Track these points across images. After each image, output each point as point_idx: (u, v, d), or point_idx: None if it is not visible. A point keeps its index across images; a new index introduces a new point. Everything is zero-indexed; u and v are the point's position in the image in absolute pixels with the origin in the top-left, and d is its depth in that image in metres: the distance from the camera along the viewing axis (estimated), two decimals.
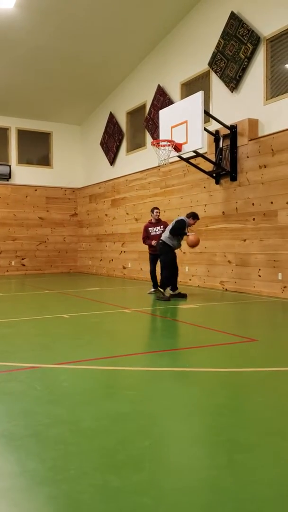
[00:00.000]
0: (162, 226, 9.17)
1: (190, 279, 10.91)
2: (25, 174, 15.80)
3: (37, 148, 16.28)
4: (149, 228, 9.29)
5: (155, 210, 9.29)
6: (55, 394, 3.25)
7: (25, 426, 2.66)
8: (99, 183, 15.26)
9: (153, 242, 8.99)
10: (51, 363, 4.01)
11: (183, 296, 8.63)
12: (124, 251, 13.75)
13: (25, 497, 1.92)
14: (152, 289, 9.49)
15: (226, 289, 9.82)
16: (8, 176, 15.41)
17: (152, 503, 1.88)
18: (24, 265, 15.72)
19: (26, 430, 2.59)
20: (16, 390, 3.32)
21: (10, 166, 15.45)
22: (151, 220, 9.38)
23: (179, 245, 8.56)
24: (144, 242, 9.40)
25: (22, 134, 15.81)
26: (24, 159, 15.92)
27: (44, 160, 16.34)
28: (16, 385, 3.42)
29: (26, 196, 15.84)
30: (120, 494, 1.93)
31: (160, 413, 2.92)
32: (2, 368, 3.91)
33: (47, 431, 2.58)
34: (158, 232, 9.13)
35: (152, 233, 9.25)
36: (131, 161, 13.44)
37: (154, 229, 9.24)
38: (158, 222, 9.31)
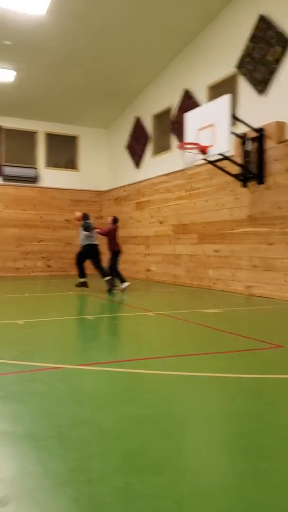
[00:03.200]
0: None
1: (214, 283, 10.84)
2: (52, 177, 15.99)
3: (64, 152, 16.47)
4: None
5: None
6: (78, 395, 3.26)
7: (48, 426, 2.68)
8: (124, 186, 15.33)
9: None
10: (74, 364, 4.03)
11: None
12: (148, 254, 13.76)
13: (47, 498, 1.93)
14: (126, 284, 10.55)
15: (251, 294, 9.71)
16: (35, 179, 15.62)
17: (173, 507, 1.87)
18: (49, 266, 15.89)
19: (49, 431, 2.61)
20: (39, 390, 3.34)
21: (37, 169, 15.67)
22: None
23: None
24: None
25: (50, 138, 16.01)
26: (51, 162, 16.12)
27: (71, 163, 16.51)
28: (39, 385, 3.45)
29: (53, 199, 16.02)
30: (141, 498, 1.93)
31: (182, 417, 2.90)
32: (26, 368, 3.95)
33: (70, 432, 2.59)
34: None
35: None
36: (157, 164, 13.46)
37: None
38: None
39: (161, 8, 10.12)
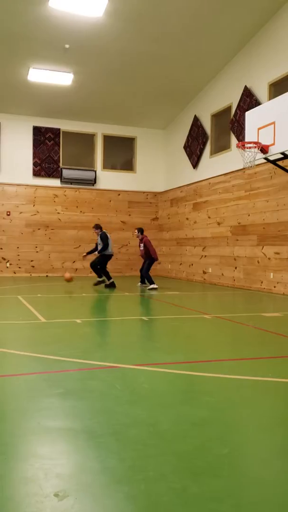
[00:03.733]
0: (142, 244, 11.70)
1: (274, 286, 10.56)
2: (109, 179, 16.24)
3: (121, 153, 16.68)
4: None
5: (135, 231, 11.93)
6: (135, 394, 3.27)
7: (106, 424, 2.70)
8: (181, 186, 15.28)
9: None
10: (131, 364, 4.05)
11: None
12: (205, 256, 13.63)
13: (104, 494, 1.94)
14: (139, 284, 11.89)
15: None
16: (93, 181, 15.92)
17: (229, 511, 1.82)
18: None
19: (106, 429, 2.63)
20: (97, 388, 3.39)
21: (95, 171, 15.97)
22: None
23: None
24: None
25: (108, 140, 16.27)
26: (108, 164, 16.37)
27: (128, 165, 16.68)
28: (97, 384, 3.50)
29: (110, 201, 16.26)
30: (198, 500, 1.90)
31: (240, 421, 2.84)
32: (85, 366, 4.02)
33: (127, 431, 2.60)
34: (141, 248, 11.75)
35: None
36: (215, 164, 13.31)
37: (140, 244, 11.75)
38: (141, 240, 11.72)
39: (220, 5, 10.01)
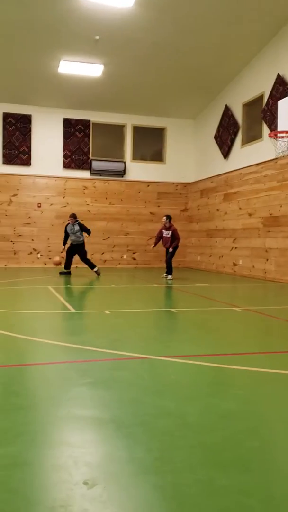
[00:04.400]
0: (170, 232, 11.56)
1: None
2: (138, 170, 16.21)
3: (151, 144, 16.61)
4: (163, 231, 11.74)
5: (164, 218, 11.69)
6: (163, 385, 3.28)
7: (134, 414, 2.72)
8: (211, 177, 15.13)
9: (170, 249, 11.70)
10: (159, 355, 4.06)
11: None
12: (236, 247, 13.48)
13: (132, 484, 1.96)
14: (170, 276, 11.65)
15: None
16: (122, 173, 15.94)
17: (259, 506, 1.81)
18: (135, 259, 16.17)
19: (134, 419, 2.65)
20: (126, 378, 3.41)
21: (125, 162, 15.97)
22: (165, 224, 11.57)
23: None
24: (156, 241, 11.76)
25: (137, 131, 16.22)
26: (138, 156, 16.34)
27: (157, 156, 16.62)
28: (126, 374, 3.52)
29: (139, 192, 16.25)
30: (226, 493, 1.89)
31: (270, 415, 2.81)
32: (114, 356, 4.05)
33: (155, 422, 2.61)
34: (167, 236, 11.60)
35: (164, 235, 11.67)
36: (246, 154, 13.11)
37: (166, 232, 11.64)
38: (169, 227, 11.62)
39: None
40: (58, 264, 12.39)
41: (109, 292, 9.23)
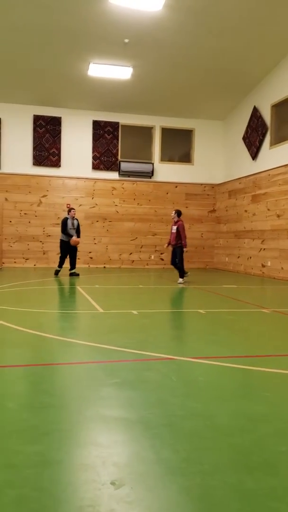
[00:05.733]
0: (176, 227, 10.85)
1: None
2: (166, 171, 16.21)
3: (179, 145, 16.58)
4: (172, 227, 11.05)
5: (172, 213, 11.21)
6: (190, 387, 3.28)
7: (161, 415, 2.72)
8: (239, 178, 15.00)
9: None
10: (187, 356, 4.06)
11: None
12: (264, 249, 13.32)
13: (159, 484, 1.97)
14: (181, 279, 10.67)
15: None
16: (151, 174, 15.97)
17: (287, 510, 1.79)
18: (162, 259, 16.17)
19: (161, 419, 2.66)
20: (153, 379, 3.42)
21: (153, 164, 16.00)
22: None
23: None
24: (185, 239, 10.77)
25: (166, 132, 16.23)
26: (166, 157, 16.34)
27: (185, 157, 16.58)
28: (153, 375, 3.53)
29: (167, 193, 16.25)
30: (254, 496, 1.88)
31: None
32: (141, 357, 4.07)
33: (182, 423, 2.61)
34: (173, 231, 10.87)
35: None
36: (275, 155, 12.94)
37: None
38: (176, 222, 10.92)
39: None
40: (76, 244, 11.90)
41: (136, 292, 9.26)
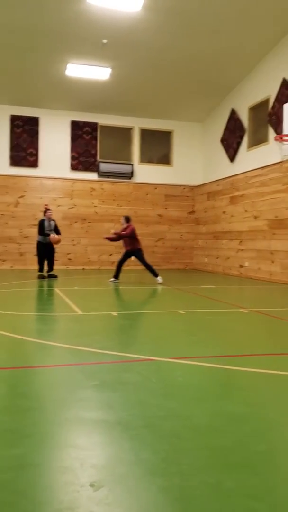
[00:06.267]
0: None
1: None
2: (146, 173, 16.24)
3: (158, 147, 16.63)
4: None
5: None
6: (170, 388, 3.28)
7: (140, 416, 2.72)
8: (217, 180, 15.12)
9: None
10: (167, 357, 4.06)
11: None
12: (242, 249, 13.46)
13: (138, 485, 1.96)
14: (112, 279, 10.89)
15: None
16: (130, 175, 15.97)
17: (266, 509, 1.80)
18: None
19: (141, 421, 2.65)
20: (132, 381, 3.41)
21: (132, 165, 16.00)
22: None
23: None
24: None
25: (145, 134, 16.25)
26: (145, 158, 16.36)
27: (165, 159, 16.63)
28: (133, 376, 3.53)
29: (147, 194, 16.27)
30: (233, 496, 1.88)
31: (277, 418, 2.79)
32: (121, 359, 4.06)
33: (161, 424, 2.61)
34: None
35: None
36: (252, 157, 13.09)
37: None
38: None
39: None
40: (57, 242, 11.67)
41: (116, 294, 9.24)
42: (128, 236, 10.77)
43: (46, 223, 11.73)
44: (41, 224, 11.72)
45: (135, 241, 10.79)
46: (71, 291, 9.15)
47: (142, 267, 15.98)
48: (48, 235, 11.64)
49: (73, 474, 2.04)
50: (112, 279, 10.95)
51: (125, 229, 10.93)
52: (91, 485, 1.94)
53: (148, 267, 10.80)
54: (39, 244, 11.79)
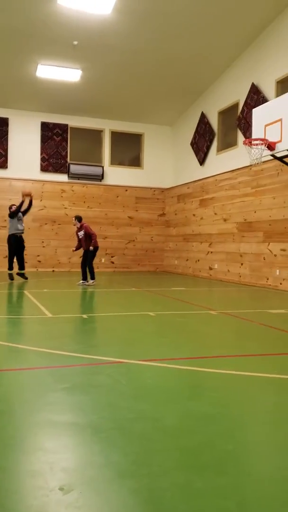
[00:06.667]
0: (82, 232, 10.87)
1: (281, 283, 10.53)
2: (116, 175, 16.24)
3: (128, 149, 16.66)
4: (77, 233, 10.99)
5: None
6: (140, 390, 3.29)
7: (110, 419, 2.72)
8: (188, 183, 15.26)
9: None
10: (137, 359, 4.07)
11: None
12: (211, 252, 13.61)
13: (108, 488, 1.96)
14: (82, 281, 10.83)
15: None
16: (101, 177, 15.93)
17: (235, 508, 1.83)
18: (113, 262, 16.17)
19: (111, 423, 2.65)
20: (102, 383, 3.41)
21: (103, 167, 15.98)
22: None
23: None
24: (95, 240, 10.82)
25: (115, 136, 16.26)
26: (116, 160, 16.36)
27: (135, 161, 16.68)
28: (103, 379, 3.52)
29: (117, 196, 16.27)
30: (202, 496, 1.91)
31: (245, 418, 2.84)
32: (91, 361, 4.04)
33: (131, 426, 2.62)
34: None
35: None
36: (221, 161, 13.27)
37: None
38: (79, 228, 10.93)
39: (228, 3, 9.94)
40: (28, 194, 11.73)
41: (86, 296, 9.19)
42: (88, 235, 10.80)
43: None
44: (16, 211, 11.49)
45: (89, 240, 10.80)
46: (40, 294, 9.05)
47: (110, 269, 16.01)
48: (21, 213, 11.61)
49: (43, 478, 2.02)
50: (82, 281, 10.88)
51: (79, 229, 10.94)
52: (61, 488, 1.93)
53: (90, 269, 10.80)
54: (12, 238, 11.48)
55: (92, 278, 10.82)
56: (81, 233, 10.83)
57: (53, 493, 1.90)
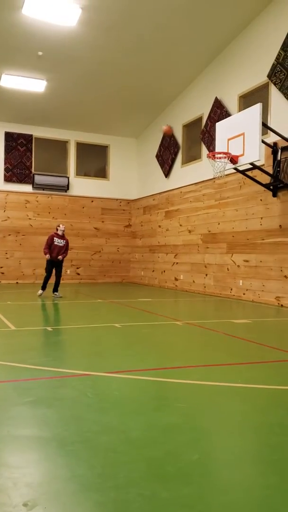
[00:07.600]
0: (64, 241, 10.85)
1: (244, 293, 10.72)
2: (82, 186, 16.21)
3: (94, 161, 16.68)
4: (54, 238, 10.75)
5: (62, 225, 10.99)
6: (106, 402, 3.27)
7: (76, 432, 2.69)
8: (153, 195, 15.39)
9: (60, 257, 10.73)
10: (103, 372, 4.05)
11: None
12: (177, 263, 13.73)
13: (74, 501, 1.94)
14: (41, 291, 10.79)
15: (281, 305, 9.56)
16: (66, 188, 15.86)
17: None
18: (79, 274, 16.06)
19: (76, 436, 2.63)
20: (68, 396, 3.37)
21: (68, 178, 15.92)
22: (57, 232, 10.83)
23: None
24: (46, 250, 10.73)
25: (81, 147, 16.25)
26: (81, 171, 16.34)
27: (101, 172, 16.70)
28: (68, 392, 3.48)
29: (83, 207, 16.22)
30: (168, 506, 1.91)
31: (210, 427, 2.87)
32: (56, 374, 4.00)
33: (97, 439, 2.60)
34: (60, 244, 10.75)
35: (56, 243, 10.72)
36: (186, 174, 13.47)
37: (59, 240, 10.76)
38: (63, 236, 10.87)
39: (192, 18, 10.18)
40: (168, 132, 12.06)
41: (51, 308, 9.08)
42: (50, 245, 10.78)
43: None
44: None
45: (66, 251, 10.92)
46: (4, 306, 8.88)
47: (75, 280, 15.88)
48: None
49: (5, 494, 1.98)
50: (39, 291, 10.78)
51: (67, 241, 11.01)
52: (25, 504, 1.90)
53: (45, 278, 10.80)
54: None
55: (43, 288, 10.81)
56: (62, 242, 10.79)
57: (16, 509, 1.86)
